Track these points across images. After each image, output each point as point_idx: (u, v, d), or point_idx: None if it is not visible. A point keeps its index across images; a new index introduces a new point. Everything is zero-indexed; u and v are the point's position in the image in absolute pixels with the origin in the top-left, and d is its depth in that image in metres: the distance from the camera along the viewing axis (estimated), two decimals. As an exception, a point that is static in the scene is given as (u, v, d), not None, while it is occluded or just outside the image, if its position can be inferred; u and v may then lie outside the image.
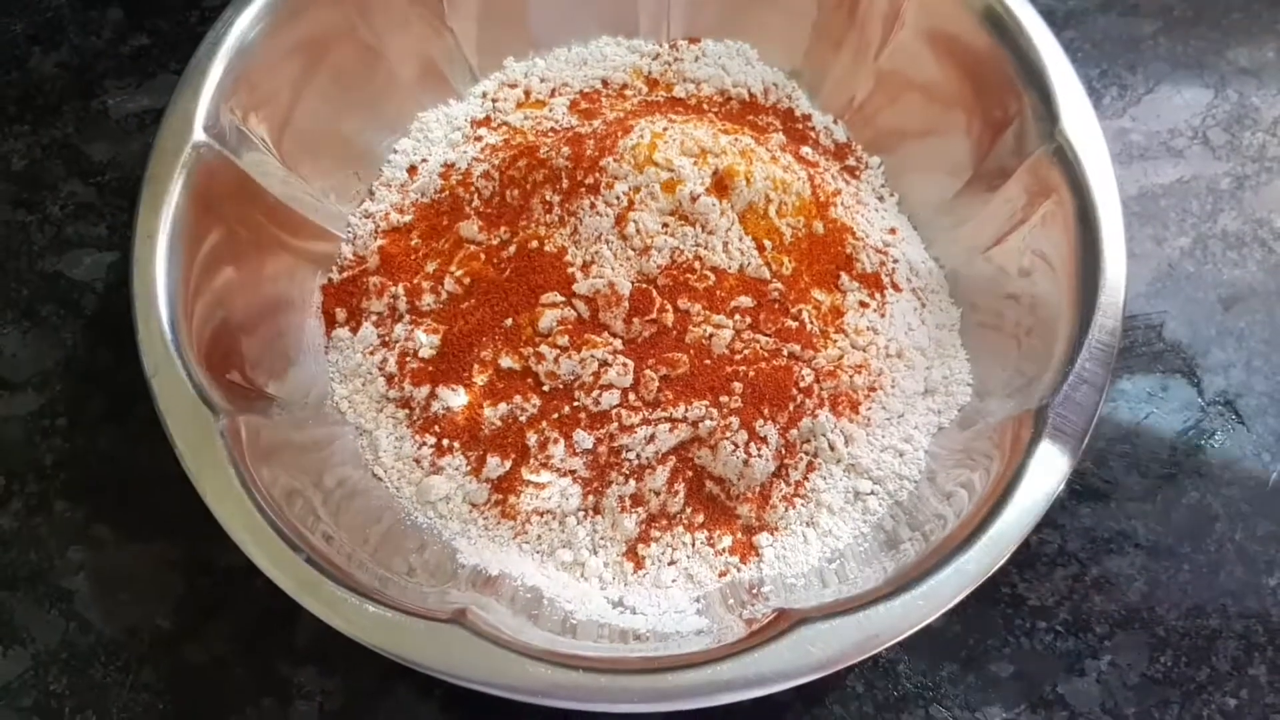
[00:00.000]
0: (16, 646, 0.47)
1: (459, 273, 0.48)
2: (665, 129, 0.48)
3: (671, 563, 0.44)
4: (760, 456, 0.44)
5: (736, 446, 0.44)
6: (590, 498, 0.45)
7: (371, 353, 0.49)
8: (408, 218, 0.51)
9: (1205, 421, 0.51)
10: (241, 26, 0.45)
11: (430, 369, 0.47)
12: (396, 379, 0.48)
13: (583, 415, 0.45)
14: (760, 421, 0.44)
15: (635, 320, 0.46)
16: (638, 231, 0.46)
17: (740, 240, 0.46)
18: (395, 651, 0.37)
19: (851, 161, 0.54)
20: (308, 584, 0.37)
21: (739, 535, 0.45)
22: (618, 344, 0.46)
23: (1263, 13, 0.62)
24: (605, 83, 0.55)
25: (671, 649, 0.39)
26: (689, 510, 0.45)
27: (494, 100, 0.55)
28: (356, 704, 0.45)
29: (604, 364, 0.45)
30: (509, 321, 0.47)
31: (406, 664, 0.37)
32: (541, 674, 0.36)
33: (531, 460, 0.45)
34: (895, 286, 0.49)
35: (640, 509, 0.45)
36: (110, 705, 0.46)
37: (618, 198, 0.46)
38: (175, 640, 0.47)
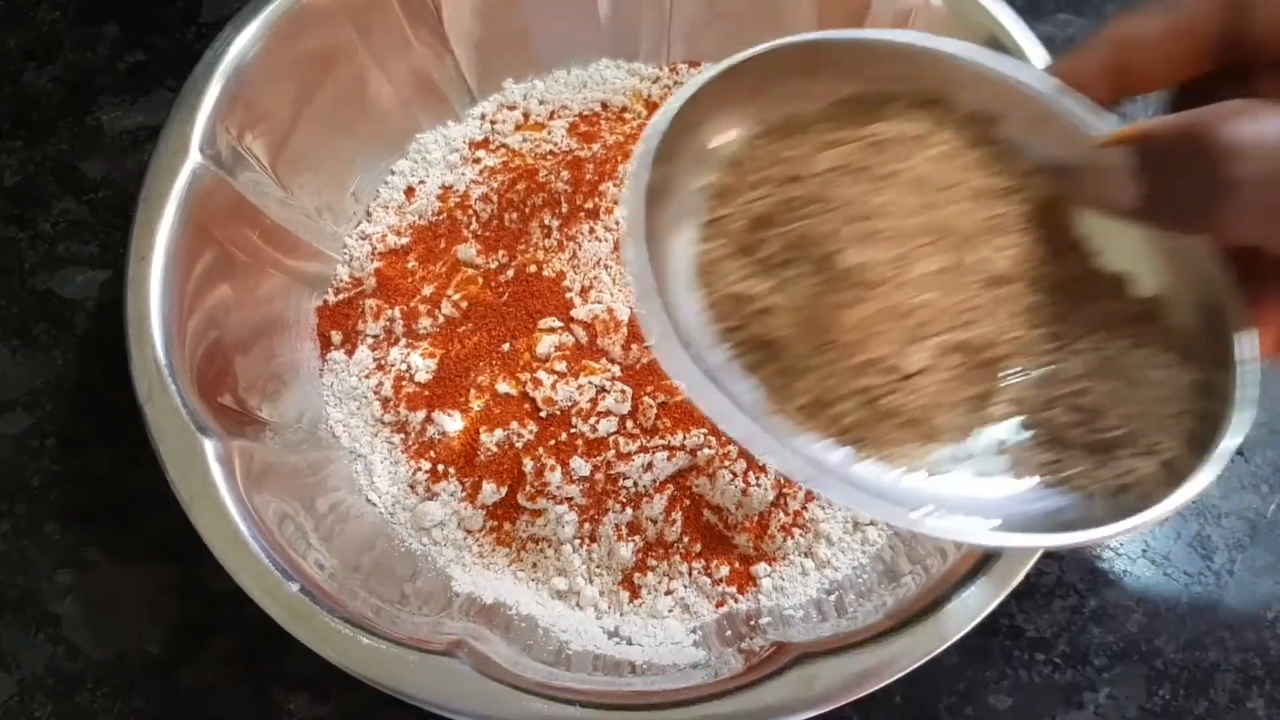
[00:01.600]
0: (1, 672, 0.46)
1: (456, 296, 0.48)
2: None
3: (668, 592, 0.44)
4: (758, 485, 0.44)
5: (735, 475, 0.44)
6: (586, 525, 0.45)
7: (367, 376, 0.48)
8: (405, 240, 0.51)
9: (1204, 452, 0.51)
10: (239, 46, 0.45)
11: (426, 393, 0.47)
12: (392, 403, 0.47)
13: (580, 442, 0.45)
14: (759, 450, 0.44)
15: (634, 346, 0.45)
16: (637, 257, 0.46)
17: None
18: (389, 684, 0.36)
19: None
20: (300, 615, 0.37)
21: (736, 565, 0.44)
22: (616, 370, 0.45)
23: None
24: (605, 106, 0.55)
25: (668, 683, 0.39)
26: (686, 539, 0.45)
27: (493, 122, 0.54)
28: (348, 732, 0.45)
29: (602, 390, 0.45)
30: (506, 346, 0.47)
31: (400, 697, 0.36)
32: (536, 709, 0.36)
33: (527, 486, 0.45)
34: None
35: (637, 537, 0.44)
36: (97, 732, 0.45)
37: (617, 222, 0.46)
38: (166, 666, 0.46)
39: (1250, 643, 0.47)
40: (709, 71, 0.32)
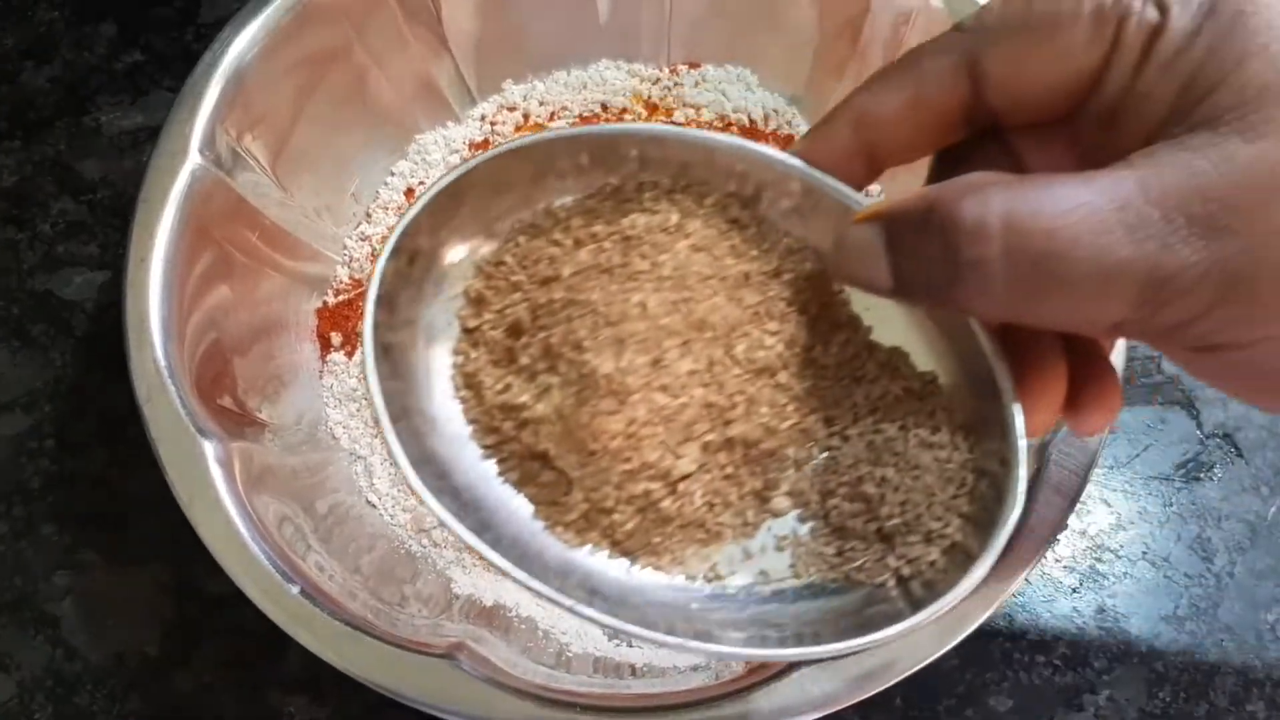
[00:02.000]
0: (1, 674, 0.46)
1: (456, 297, 0.48)
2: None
3: (668, 594, 0.44)
4: (759, 487, 0.44)
5: (735, 477, 0.44)
6: (586, 527, 0.44)
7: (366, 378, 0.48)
8: (404, 241, 0.51)
9: (1204, 454, 0.51)
10: (239, 47, 0.45)
11: (425, 395, 0.47)
12: (392, 405, 0.47)
13: (579, 443, 0.44)
14: (759, 452, 0.44)
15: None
16: (638, 259, 0.45)
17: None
18: (389, 687, 0.36)
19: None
20: (300, 617, 0.37)
21: (737, 567, 0.44)
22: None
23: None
24: (605, 107, 0.55)
25: (669, 685, 0.39)
26: (686, 541, 0.44)
27: (492, 123, 0.54)
28: (347, 735, 0.45)
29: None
30: (506, 347, 0.46)
31: (400, 700, 0.36)
32: (535, 712, 0.36)
33: (527, 488, 0.44)
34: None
35: (637, 539, 0.44)
36: (96, 734, 0.45)
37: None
38: (164, 667, 0.46)
39: (1250, 645, 0.47)
40: (448, 176, 0.31)
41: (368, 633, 0.37)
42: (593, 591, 0.30)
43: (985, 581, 0.36)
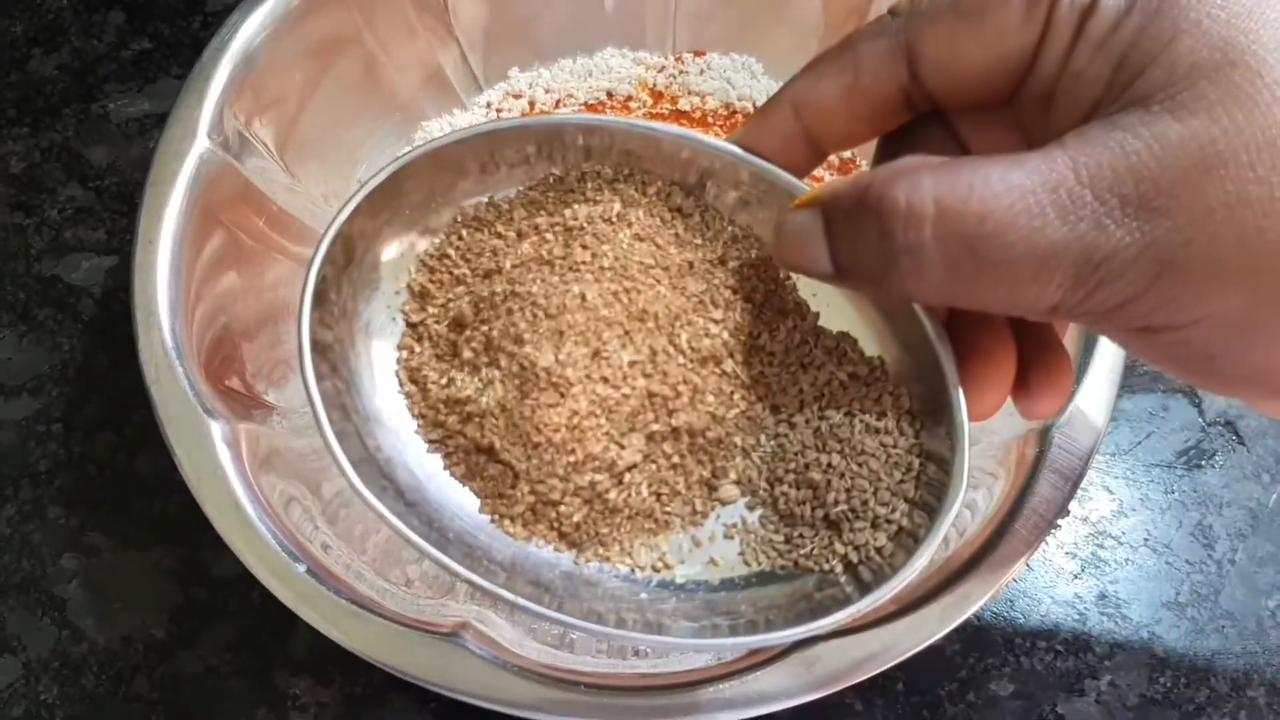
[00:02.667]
0: (7, 655, 0.46)
1: (462, 283, 0.48)
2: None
3: (671, 577, 0.44)
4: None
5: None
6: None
7: (372, 362, 0.48)
8: (410, 227, 0.51)
9: (1206, 442, 0.51)
10: (247, 32, 0.45)
11: (431, 379, 0.47)
12: (397, 389, 0.47)
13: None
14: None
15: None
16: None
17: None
18: (395, 666, 0.36)
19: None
20: (307, 596, 0.37)
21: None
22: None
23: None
24: (610, 94, 0.55)
25: (671, 665, 0.39)
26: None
27: (498, 111, 0.54)
28: (352, 716, 0.45)
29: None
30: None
31: (404, 678, 0.36)
32: (539, 691, 0.36)
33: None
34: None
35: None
36: (103, 716, 0.45)
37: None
38: (170, 650, 0.46)
39: (1251, 631, 0.48)
40: (393, 163, 0.31)
41: (374, 612, 0.37)
42: (541, 586, 0.30)
43: (986, 563, 0.37)
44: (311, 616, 0.37)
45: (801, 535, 0.31)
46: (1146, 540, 0.49)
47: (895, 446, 0.30)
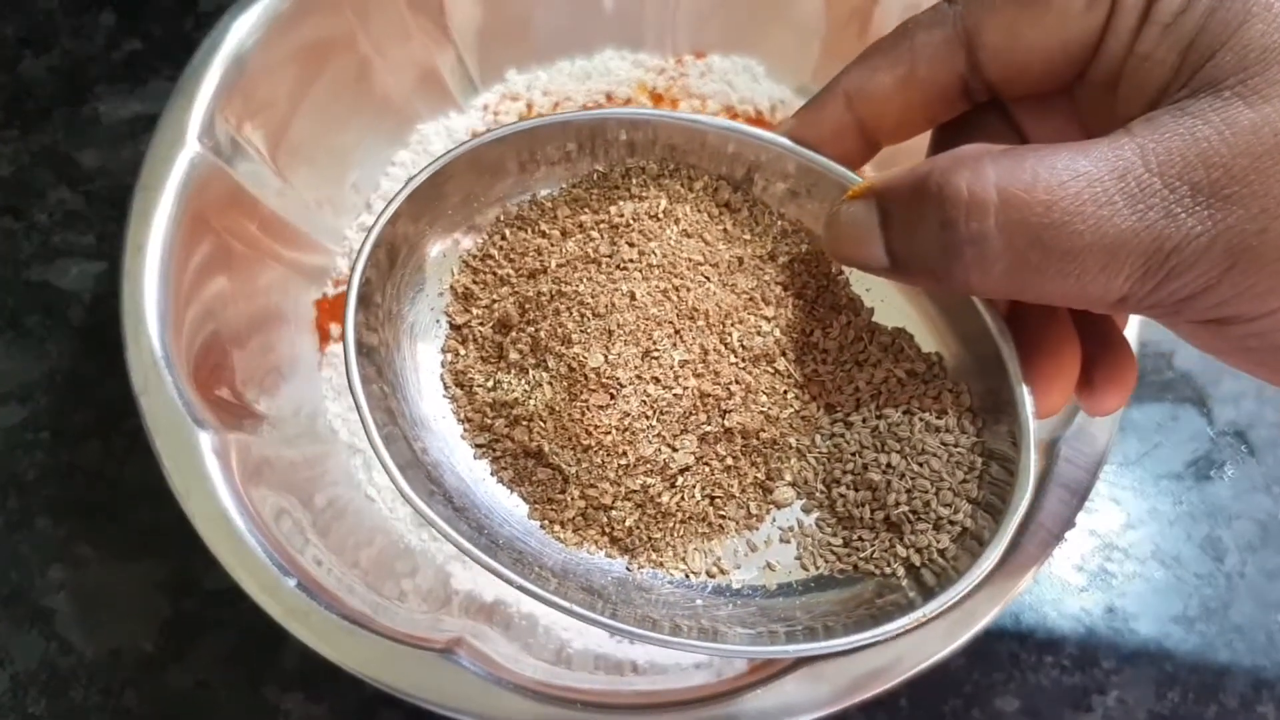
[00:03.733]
0: (-6, 668, 0.46)
1: (457, 289, 0.47)
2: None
3: (671, 591, 0.43)
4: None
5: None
6: (588, 523, 0.44)
7: (366, 370, 0.47)
8: (405, 232, 0.50)
9: (1215, 452, 0.50)
10: (239, 34, 0.44)
11: (426, 387, 0.46)
12: (391, 397, 0.47)
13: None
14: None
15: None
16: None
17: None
18: (387, 682, 0.36)
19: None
20: (297, 611, 0.36)
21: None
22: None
23: None
24: (609, 97, 0.54)
25: (671, 682, 0.38)
26: (689, 537, 0.44)
27: (495, 113, 0.54)
28: (344, 732, 0.44)
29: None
30: (507, 340, 0.46)
31: (398, 695, 0.36)
32: (535, 709, 0.35)
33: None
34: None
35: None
36: (90, 730, 0.44)
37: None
38: (159, 663, 0.45)
39: (1261, 646, 0.47)
40: (431, 165, 0.31)
41: (365, 627, 0.36)
42: (594, 592, 0.29)
43: (993, 577, 0.36)
44: (301, 632, 0.36)
45: (861, 538, 0.30)
46: (1155, 553, 0.48)
47: (957, 445, 0.30)
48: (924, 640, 0.37)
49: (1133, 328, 0.41)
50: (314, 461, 0.45)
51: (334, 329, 0.49)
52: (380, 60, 0.50)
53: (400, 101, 0.52)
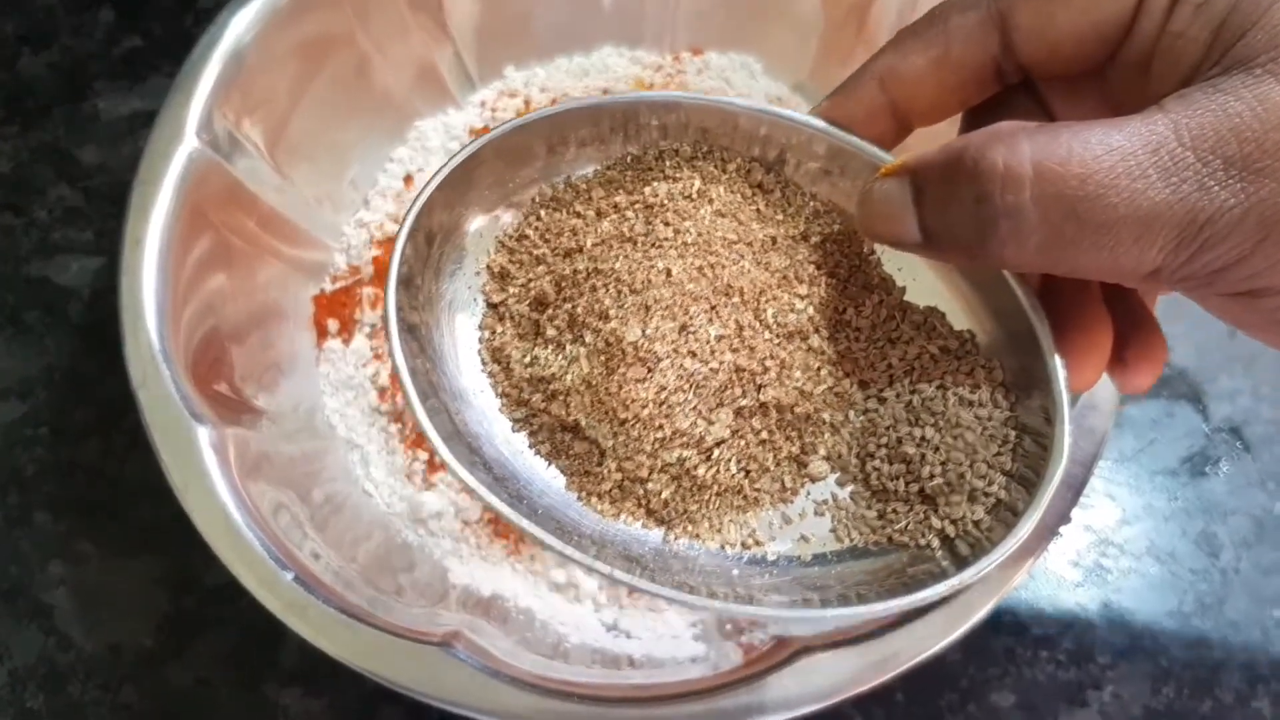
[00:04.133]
0: (-7, 662, 0.46)
1: (455, 285, 0.47)
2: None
3: (667, 585, 0.43)
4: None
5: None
6: (585, 518, 0.44)
7: (364, 365, 0.48)
8: (403, 228, 0.50)
9: (1211, 448, 0.50)
10: (237, 30, 0.44)
11: (424, 383, 0.46)
12: (389, 393, 0.47)
13: (579, 433, 0.44)
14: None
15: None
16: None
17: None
18: (384, 675, 0.36)
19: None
20: (295, 605, 0.36)
21: (737, 559, 0.44)
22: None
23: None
24: (606, 93, 0.54)
25: (666, 676, 0.38)
26: (686, 532, 0.44)
27: (493, 109, 0.54)
28: (342, 726, 0.45)
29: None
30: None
31: (395, 688, 0.36)
32: (532, 702, 0.35)
33: (526, 478, 0.44)
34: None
35: (636, 530, 0.44)
36: (89, 724, 0.45)
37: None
38: (158, 659, 0.45)
39: (1256, 641, 0.47)
40: (468, 148, 0.31)
41: (363, 621, 0.36)
42: (632, 560, 0.30)
43: (993, 572, 0.36)
44: (299, 626, 0.36)
45: (895, 510, 0.31)
46: (1150, 549, 0.48)
47: (990, 419, 0.30)
48: (920, 634, 0.37)
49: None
50: (312, 457, 0.45)
51: (331, 324, 0.49)
52: (379, 57, 0.50)
53: (399, 98, 0.52)
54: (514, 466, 0.31)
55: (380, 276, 0.49)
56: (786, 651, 0.37)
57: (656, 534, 0.31)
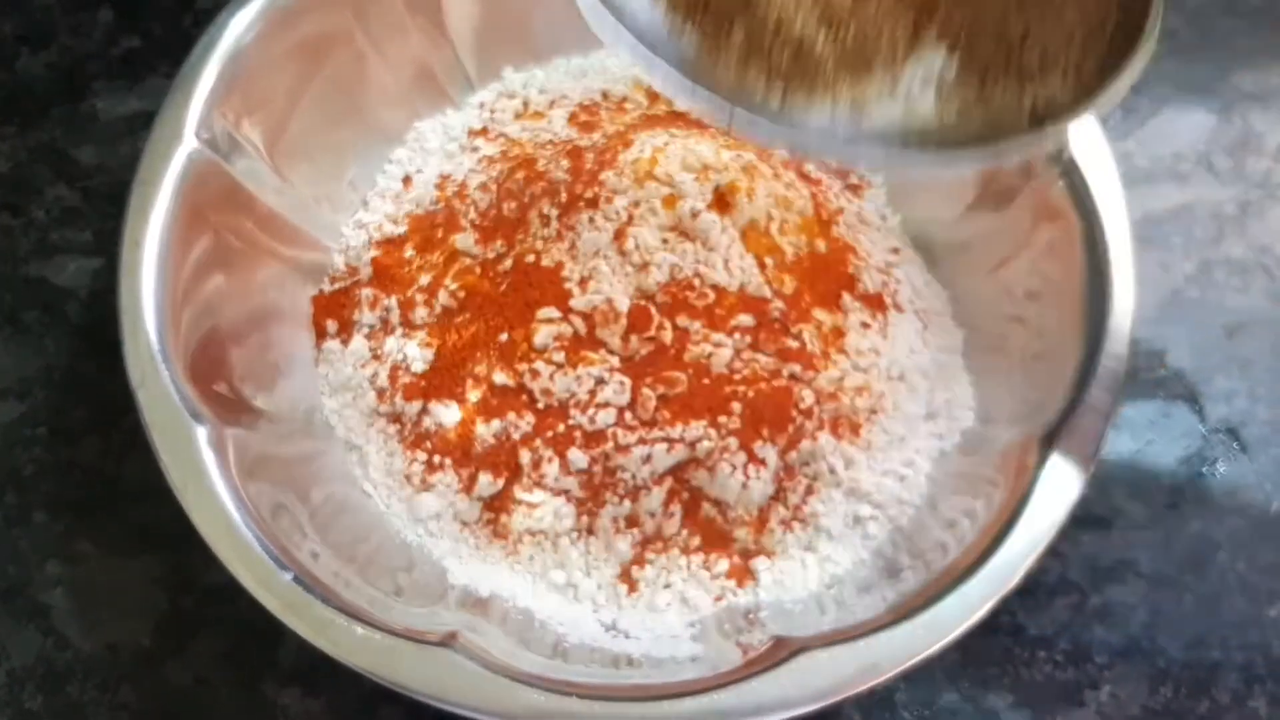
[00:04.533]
0: (-9, 662, 0.46)
1: (454, 286, 0.47)
2: (666, 144, 0.47)
3: (666, 586, 0.44)
4: (759, 479, 0.44)
5: (735, 468, 0.43)
6: (584, 518, 0.44)
7: (362, 366, 0.48)
8: (402, 229, 0.50)
9: (1207, 450, 0.51)
10: (236, 31, 0.44)
11: (422, 384, 0.46)
12: (388, 393, 0.47)
13: (577, 434, 0.44)
14: (759, 443, 0.44)
15: (633, 337, 0.45)
16: (637, 247, 0.45)
17: (741, 258, 0.46)
18: (383, 675, 0.36)
19: (854, 180, 0.53)
20: (294, 605, 0.36)
21: (735, 559, 0.44)
22: (615, 361, 0.45)
23: (1269, 37, 0.62)
24: (605, 95, 0.54)
25: (666, 676, 0.39)
26: (685, 533, 0.44)
27: (492, 111, 0.54)
28: (341, 726, 0.45)
29: (600, 381, 0.44)
30: (504, 336, 0.46)
31: (395, 688, 0.36)
32: (533, 700, 0.35)
33: (524, 479, 0.44)
34: (898, 307, 0.49)
35: (635, 530, 0.44)
36: (87, 724, 0.45)
37: (617, 212, 0.45)
38: (157, 659, 0.45)
39: (1253, 641, 0.47)
40: None
41: (362, 621, 0.36)
42: (752, 122, 0.34)
43: (986, 574, 0.36)
44: (298, 625, 0.36)
45: (995, 89, 0.33)
46: (1148, 548, 0.48)
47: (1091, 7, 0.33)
48: (918, 635, 0.37)
49: (1126, 327, 0.41)
50: (311, 457, 0.45)
51: (330, 325, 0.49)
52: (378, 58, 0.50)
53: (397, 99, 0.52)
54: (651, 38, 0.36)
55: (379, 278, 0.49)
56: (785, 651, 0.37)
57: (775, 97, 0.34)
